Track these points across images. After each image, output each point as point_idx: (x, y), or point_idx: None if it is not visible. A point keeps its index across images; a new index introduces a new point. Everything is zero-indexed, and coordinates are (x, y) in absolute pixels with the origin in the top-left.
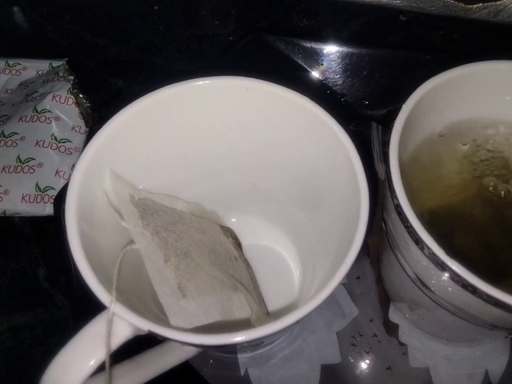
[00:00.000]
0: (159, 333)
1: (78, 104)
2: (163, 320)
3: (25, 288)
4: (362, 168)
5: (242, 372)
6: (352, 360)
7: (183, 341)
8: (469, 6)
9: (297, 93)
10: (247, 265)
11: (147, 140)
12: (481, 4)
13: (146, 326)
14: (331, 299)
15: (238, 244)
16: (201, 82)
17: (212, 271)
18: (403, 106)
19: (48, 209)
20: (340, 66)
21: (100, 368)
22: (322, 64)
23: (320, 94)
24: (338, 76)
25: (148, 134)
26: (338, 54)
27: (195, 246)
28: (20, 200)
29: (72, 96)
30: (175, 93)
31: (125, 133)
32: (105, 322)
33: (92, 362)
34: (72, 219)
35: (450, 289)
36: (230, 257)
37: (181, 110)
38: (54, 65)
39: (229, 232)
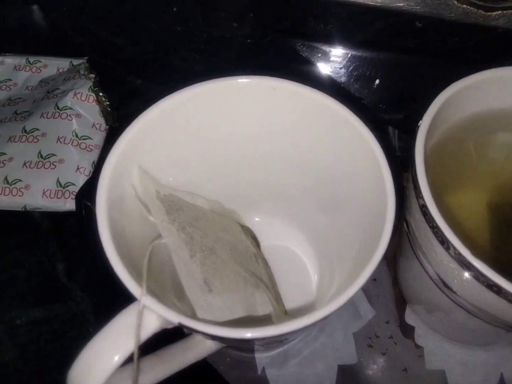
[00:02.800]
0: (189, 325)
1: (98, 102)
2: (185, 313)
3: (43, 283)
4: (390, 171)
5: (259, 371)
6: (368, 361)
7: (211, 334)
8: (489, 13)
9: (323, 93)
10: (266, 264)
11: (172, 137)
12: (500, 12)
13: (176, 318)
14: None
15: (257, 244)
16: (227, 81)
17: (235, 267)
18: (426, 111)
19: (68, 205)
20: (356, 69)
21: (125, 361)
22: (341, 68)
23: (338, 96)
24: (355, 80)
25: (173, 132)
26: (354, 58)
27: (219, 242)
28: (41, 195)
29: (93, 94)
30: (201, 92)
31: (152, 131)
32: (134, 314)
33: (122, 353)
34: (103, 212)
35: (474, 289)
36: (250, 256)
37: (207, 108)
38: (74, 63)
39: (248, 231)
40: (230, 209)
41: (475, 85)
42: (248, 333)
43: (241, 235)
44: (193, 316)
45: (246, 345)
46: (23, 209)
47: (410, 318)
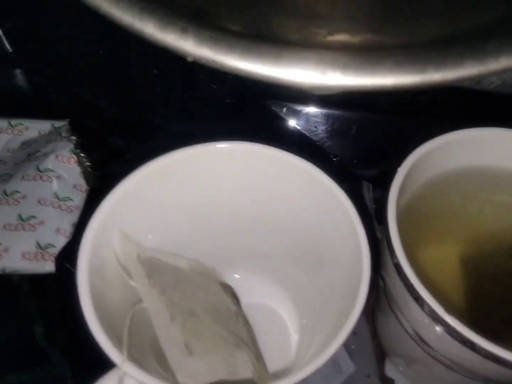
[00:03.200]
0: None
1: (79, 163)
2: (165, 378)
3: (22, 346)
4: (363, 228)
5: None
6: None
7: None
8: None
9: (298, 156)
10: (246, 322)
11: (153, 201)
12: None
13: None
14: None
15: (236, 301)
16: (206, 147)
17: (215, 328)
18: (399, 169)
19: (48, 267)
20: (330, 127)
21: None
22: (315, 127)
23: (314, 155)
24: (329, 137)
25: (155, 196)
26: (327, 117)
27: (200, 304)
28: (20, 257)
29: (74, 156)
30: (181, 158)
31: (134, 196)
32: (115, 381)
33: None
34: (84, 278)
35: (448, 344)
36: (231, 315)
37: (187, 173)
38: (56, 125)
39: (228, 289)
40: (210, 268)
41: (443, 146)
42: None
43: (222, 294)
44: (174, 381)
45: None
46: (2, 272)
47: (390, 371)
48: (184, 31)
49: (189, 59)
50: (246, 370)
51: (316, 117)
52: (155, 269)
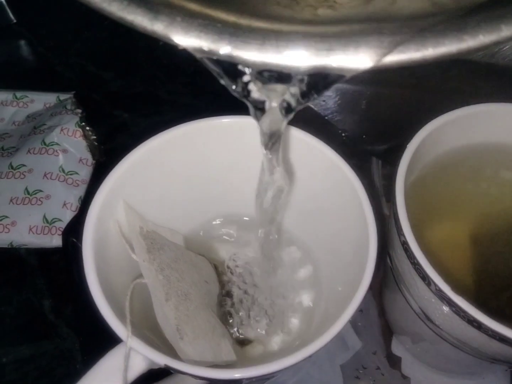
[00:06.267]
0: (176, 367)
1: (85, 137)
2: (165, 352)
3: (29, 320)
4: (370, 205)
5: None
6: None
7: (199, 375)
8: None
9: (304, 132)
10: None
11: (158, 175)
12: None
13: (163, 360)
14: None
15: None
16: (211, 122)
17: (206, 314)
18: (408, 146)
19: (55, 241)
20: (339, 102)
21: None
22: (324, 101)
23: (322, 130)
24: (338, 112)
25: (160, 170)
26: (337, 91)
27: (195, 287)
28: (27, 231)
29: (80, 129)
30: (186, 132)
31: (139, 169)
32: (121, 356)
33: None
34: (89, 252)
35: (455, 323)
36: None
37: (192, 147)
38: (61, 98)
39: (219, 269)
40: (206, 246)
41: (453, 122)
42: (236, 373)
43: (214, 275)
44: (174, 354)
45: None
46: (9, 246)
47: (396, 348)
48: (172, 20)
49: (180, 47)
50: (229, 360)
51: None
52: (155, 245)
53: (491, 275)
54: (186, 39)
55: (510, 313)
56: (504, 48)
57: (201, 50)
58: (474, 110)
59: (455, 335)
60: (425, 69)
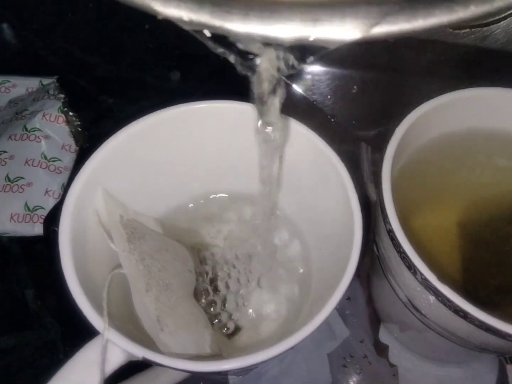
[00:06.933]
0: (154, 360)
1: (68, 122)
2: (145, 343)
3: (12, 309)
4: (354, 190)
5: None
6: (342, 382)
7: (178, 368)
8: (457, 31)
9: (291, 118)
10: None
11: (139, 161)
12: (468, 30)
13: (140, 353)
14: None
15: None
16: (196, 106)
17: (190, 305)
18: (395, 130)
19: (37, 229)
20: (329, 87)
21: None
22: (313, 85)
23: (311, 115)
24: (327, 97)
25: (140, 156)
26: (327, 76)
27: (178, 277)
28: (8, 219)
29: (62, 115)
30: (170, 116)
31: (119, 155)
32: (98, 348)
33: None
34: (66, 243)
35: (441, 313)
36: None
37: (175, 132)
38: (44, 82)
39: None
40: (188, 234)
41: (443, 106)
42: (215, 366)
43: (198, 265)
44: (153, 346)
45: (216, 376)
46: None
47: (384, 336)
48: None
49: (159, 17)
50: (213, 351)
51: (315, 75)
52: (137, 234)
53: (479, 263)
54: (165, 9)
55: (498, 301)
56: (496, 32)
57: (181, 20)
58: (465, 94)
59: (442, 325)
60: (417, 52)
